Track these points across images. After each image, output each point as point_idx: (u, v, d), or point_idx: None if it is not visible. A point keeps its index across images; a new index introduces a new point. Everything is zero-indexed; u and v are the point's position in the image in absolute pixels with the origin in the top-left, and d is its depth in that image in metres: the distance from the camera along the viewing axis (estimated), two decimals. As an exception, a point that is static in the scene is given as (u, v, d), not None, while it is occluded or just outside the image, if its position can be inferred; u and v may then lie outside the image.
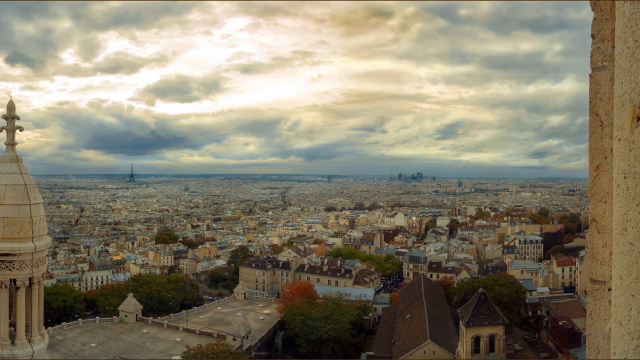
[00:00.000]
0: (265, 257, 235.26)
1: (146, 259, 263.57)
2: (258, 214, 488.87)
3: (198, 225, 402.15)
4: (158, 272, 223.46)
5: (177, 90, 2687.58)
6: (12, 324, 26.09)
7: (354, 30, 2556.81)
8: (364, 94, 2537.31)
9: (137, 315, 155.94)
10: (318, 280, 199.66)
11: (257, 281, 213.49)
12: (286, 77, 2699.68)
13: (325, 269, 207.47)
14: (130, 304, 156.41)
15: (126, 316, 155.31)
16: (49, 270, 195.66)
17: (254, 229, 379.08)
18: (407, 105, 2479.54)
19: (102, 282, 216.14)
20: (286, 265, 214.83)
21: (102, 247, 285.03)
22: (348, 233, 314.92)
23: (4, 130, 26.55)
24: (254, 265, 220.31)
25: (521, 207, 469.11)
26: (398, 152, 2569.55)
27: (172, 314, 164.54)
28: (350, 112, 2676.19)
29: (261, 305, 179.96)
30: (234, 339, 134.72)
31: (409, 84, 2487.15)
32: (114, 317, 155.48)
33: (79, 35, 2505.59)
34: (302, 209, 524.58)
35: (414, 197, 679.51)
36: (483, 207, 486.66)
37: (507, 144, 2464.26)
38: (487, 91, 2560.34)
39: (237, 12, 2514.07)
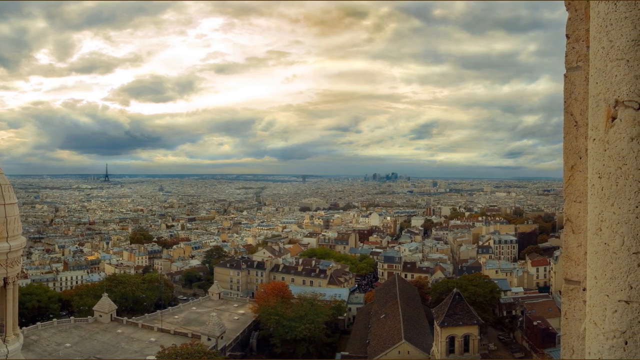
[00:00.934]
0: (239, 257, 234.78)
1: (121, 259, 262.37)
2: (232, 214, 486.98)
3: (173, 225, 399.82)
4: (133, 272, 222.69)
5: (152, 90, 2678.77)
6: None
7: (329, 30, 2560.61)
8: (338, 94, 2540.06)
9: (111, 315, 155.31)
10: (293, 280, 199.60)
11: (231, 281, 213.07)
12: (261, 77, 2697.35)
13: (299, 269, 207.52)
14: (105, 304, 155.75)
15: (101, 316, 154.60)
16: (24, 270, 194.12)
17: (229, 229, 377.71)
18: (382, 105, 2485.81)
19: (76, 282, 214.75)
20: (261, 265, 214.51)
21: (76, 247, 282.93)
22: (323, 233, 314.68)
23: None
24: (228, 265, 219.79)
25: (496, 207, 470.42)
26: (372, 152, 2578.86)
27: (146, 314, 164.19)
28: (324, 112, 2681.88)
29: (236, 305, 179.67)
30: (209, 339, 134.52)
31: (384, 84, 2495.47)
32: (89, 317, 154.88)
33: (53, 35, 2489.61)
34: (276, 209, 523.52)
35: (388, 197, 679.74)
36: (458, 207, 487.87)
37: (482, 144, 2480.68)
38: (462, 91, 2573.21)
39: (212, 12, 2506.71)
